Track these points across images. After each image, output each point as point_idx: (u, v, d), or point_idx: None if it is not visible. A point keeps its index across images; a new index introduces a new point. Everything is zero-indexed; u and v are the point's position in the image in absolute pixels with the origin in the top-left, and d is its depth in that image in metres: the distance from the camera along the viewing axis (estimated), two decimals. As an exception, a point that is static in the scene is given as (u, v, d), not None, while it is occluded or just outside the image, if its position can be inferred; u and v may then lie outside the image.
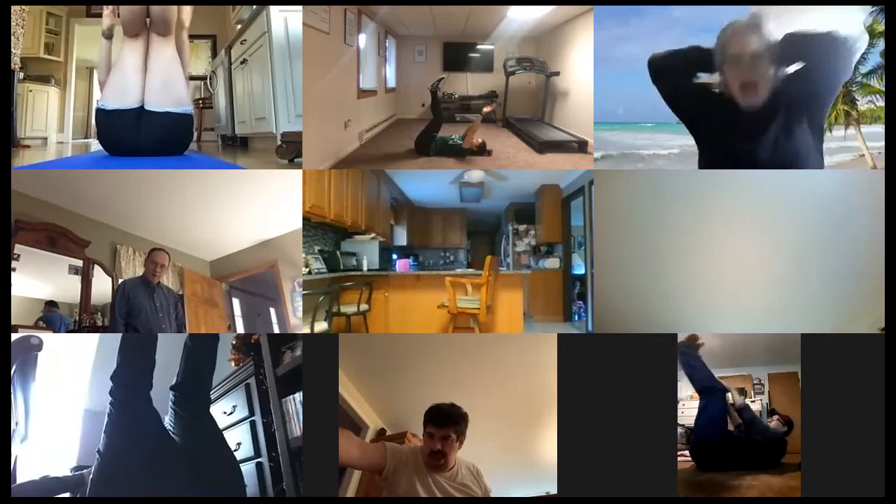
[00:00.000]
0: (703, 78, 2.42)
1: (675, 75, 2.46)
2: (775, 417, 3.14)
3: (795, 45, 2.28)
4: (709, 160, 2.49)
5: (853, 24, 2.29)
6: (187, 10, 4.25)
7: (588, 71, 5.27)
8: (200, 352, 2.87)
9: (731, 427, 3.05)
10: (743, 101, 2.29)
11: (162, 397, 2.74)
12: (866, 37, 2.32)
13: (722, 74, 2.33)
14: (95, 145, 5.14)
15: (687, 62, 2.44)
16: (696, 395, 3.12)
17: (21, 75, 6.02)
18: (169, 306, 4.11)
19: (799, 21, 2.31)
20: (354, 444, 2.55)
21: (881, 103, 8.02)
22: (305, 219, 5.07)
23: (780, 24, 2.27)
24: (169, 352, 2.84)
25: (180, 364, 2.82)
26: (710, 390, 3.04)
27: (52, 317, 4.41)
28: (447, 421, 2.52)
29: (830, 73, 2.32)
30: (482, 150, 5.19)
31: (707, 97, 2.40)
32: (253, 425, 3.03)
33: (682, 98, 2.47)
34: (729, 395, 3.10)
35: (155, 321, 3.94)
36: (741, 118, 2.31)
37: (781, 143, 2.30)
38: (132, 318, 3.88)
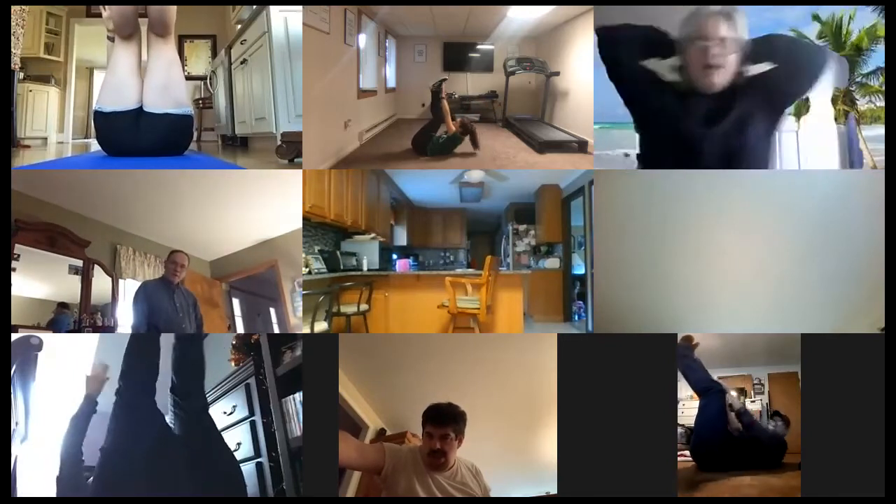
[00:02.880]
0: (653, 64, 2.38)
1: (625, 51, 2.41)
2: (778, 419, 3.13)
3: (767, 45, 2.29)
4: (650, 147, 2.46)
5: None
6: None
7: (588, 71, 5.26)
8: (187, 352, 2.88)
9: (731, 429, 3.04)
10: (703, 84, 2.27)
11: (162, 398, 2.75)
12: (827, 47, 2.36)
13: (684, 56, 2.30)
14: (95, 145, 5.14)
15: (643, 42, 2.40)
16: (696, 395, 3.12)
17: (21, 75, 6.01)
18: (188, 307, 4.12)
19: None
20: (352, 446, 2.55)
21: (881, 103, 8.02)
22: (305, 219, 5.07)
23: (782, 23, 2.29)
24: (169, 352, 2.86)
25: (172, 366, 2.83)
26: (708, 391, 3.04)
27: (61, 318, 4.42)
28: (445, 420, 2.52)
29: (799, 77, 2.32)
30: (468, 130, 5.13)
31: (658, 82, 2.36)
32: (253, 425, 3.03)
33: (634, 80, 2.42)
34: (728, 396, 3.09)
35: (176, 321, 3.94)
36: (694, 105, 2.29)
37: (734, 136, 2.28)
38: (153, 318, 3.87)
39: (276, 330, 6.42)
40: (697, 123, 2.29)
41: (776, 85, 2.28)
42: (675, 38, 2.35)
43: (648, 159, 2.48)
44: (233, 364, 3.36)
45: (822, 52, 2.32)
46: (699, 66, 2.26)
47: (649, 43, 2.40)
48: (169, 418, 2.71)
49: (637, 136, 2.53)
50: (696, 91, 2.30)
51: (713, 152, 2.30)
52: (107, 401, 2.70)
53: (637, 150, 2.54)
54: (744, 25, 2.27)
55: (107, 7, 4.00)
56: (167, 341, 2.86)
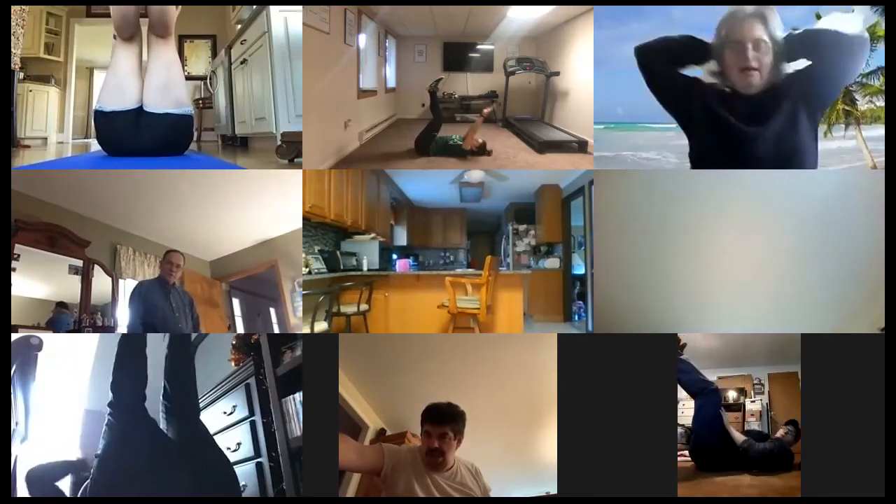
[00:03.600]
0: (693, 70, 2.40)
1: (665, 63, 2.43)
2: (788, 429, 3.09)
3: (802, 41, 2.28)
4: (700, 150, 2.45)
5: (854, 26, 2.30)
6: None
7: (588, 71, 5.27)
8: (179, 360, 2.87)
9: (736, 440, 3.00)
10: (741, 86, 2.27)
11: (153, 403, 2.77)
12: (866, 36, 2.32)
13: (720, 59, 2.31)
14: (95, 145, 5.14)
15: (678, 50, 2.41)
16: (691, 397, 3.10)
17: (21, 75, 6.02)
18: (184, 306, 4.12)
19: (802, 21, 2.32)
20: (351, 448, 2.56)
21: (881, 103, 8.02)
22: (305, 219, 5.07)
23: (783, 22, 2.28)
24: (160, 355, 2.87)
25: (164, 374, 2.83)
26: (703, 392, 3.02)
27: (60, 318, 4.42)
28: (444, 419, 2.52)
29: (837, 72, 2.31)
30: (482, 150, 5.19)
31: (699, 86, 2.37)
32: (253, 425, 3.03)
33: (672, 87, 2.44)
34: (731, 432, 3.03)
35: (172, 321, 3.95)
36: (738, 105, 2.29)
37: (783, 135, 2.27)
38: (149, 318, 3.88)
39: (276, 330, 6.43)
40: (742, 124, 2.29)
41: (813, 82, 2.27)
42: (710, 43, 2.36)
43: (699, 163, 2.48)
44: (233, 364, 3.35)
45: (859, 44, 2.25)
46: (736, 70, 2.27)
47: (686, 50, 2.41)
48: (162, 424, 2.72)
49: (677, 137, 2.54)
50: (736, 93, 2.30)
51: (761, 152, 2.29)
52: (102, 402, 2.71)
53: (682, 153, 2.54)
54: (778, 24, 2.26)
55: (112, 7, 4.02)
56: (155, 349, 2.86)
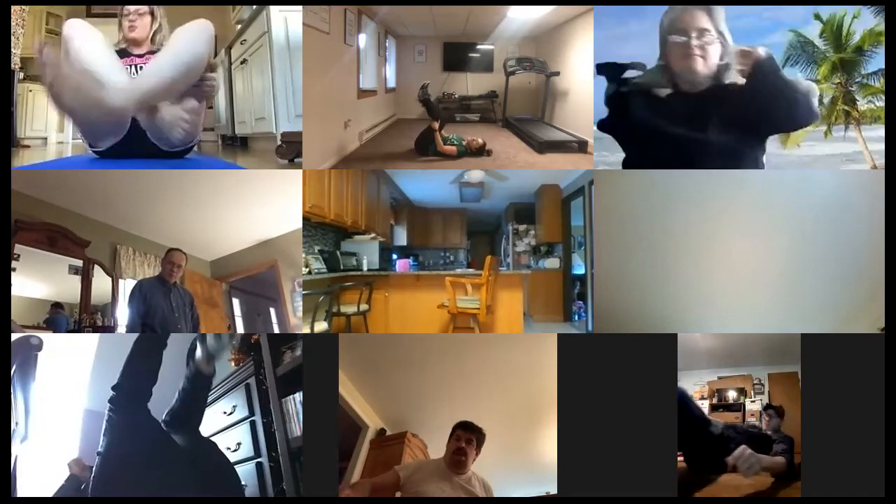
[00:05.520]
0: (634, 75, 2.38)
1: (612, 72, 2.41)
2: (771, 411, 3.09)
3: (751, 59, 2.18)
4: (633, 159, 2.45)
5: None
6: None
7: (588, 71, 5.27)
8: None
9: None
10: (685, 76, 2.22)
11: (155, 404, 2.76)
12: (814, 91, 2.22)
13: (664, 54, 2.27)
14: (95, 145, 5.11)
15: (622, 68, 2.40)
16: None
17: (21, 75, 6.01)
18: (184, 306, 4.08)
19: None
20: (366, 489, 2.68)
21: (881, 103, 8.03)
22: (305, 219, 5.07)
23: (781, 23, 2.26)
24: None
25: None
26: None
27: (57, 318, 4.41)
28: (472, 429, 2.85)
29: (777, 109, 2.18)
30: (481, 152, 5.18)
31: (640, 88, 2.35)
32: (253, 425, 3.03)
33: (616, 95, 2.41)
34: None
35: (171, 321, 3.90)
36: (677, 107, 2.26)
37: (722, 137, 2.21)
38: (149, 317, 3.83)
39: (276, 330, 6.43)
40: (680, 126, 2.25)
41: (745, 104, 2.19)
42: (659, 32, 2.32)
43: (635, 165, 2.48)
44: (233, 364, 3.36)
45: (804, 101, 2.15)
46: (679, 59, 2.21)
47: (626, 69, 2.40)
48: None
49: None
50: (678, 90, 2.27)
51: (698, 156, 2.26)
52: (102, 402, 2.69)
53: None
54: (723, 19, 2.21)
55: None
56: (175, 355, 2.82)
